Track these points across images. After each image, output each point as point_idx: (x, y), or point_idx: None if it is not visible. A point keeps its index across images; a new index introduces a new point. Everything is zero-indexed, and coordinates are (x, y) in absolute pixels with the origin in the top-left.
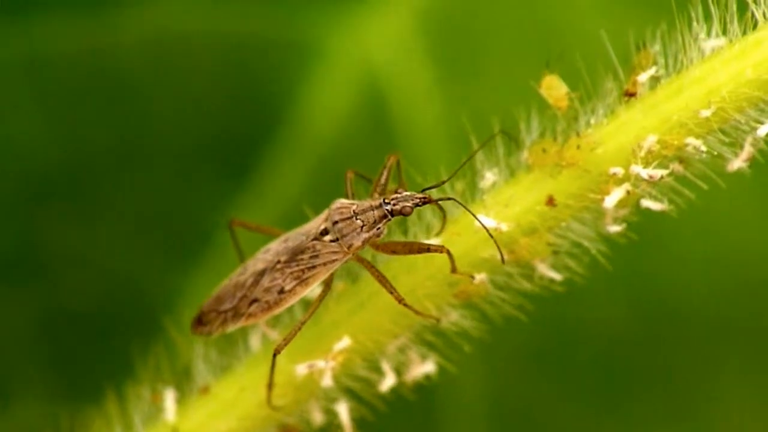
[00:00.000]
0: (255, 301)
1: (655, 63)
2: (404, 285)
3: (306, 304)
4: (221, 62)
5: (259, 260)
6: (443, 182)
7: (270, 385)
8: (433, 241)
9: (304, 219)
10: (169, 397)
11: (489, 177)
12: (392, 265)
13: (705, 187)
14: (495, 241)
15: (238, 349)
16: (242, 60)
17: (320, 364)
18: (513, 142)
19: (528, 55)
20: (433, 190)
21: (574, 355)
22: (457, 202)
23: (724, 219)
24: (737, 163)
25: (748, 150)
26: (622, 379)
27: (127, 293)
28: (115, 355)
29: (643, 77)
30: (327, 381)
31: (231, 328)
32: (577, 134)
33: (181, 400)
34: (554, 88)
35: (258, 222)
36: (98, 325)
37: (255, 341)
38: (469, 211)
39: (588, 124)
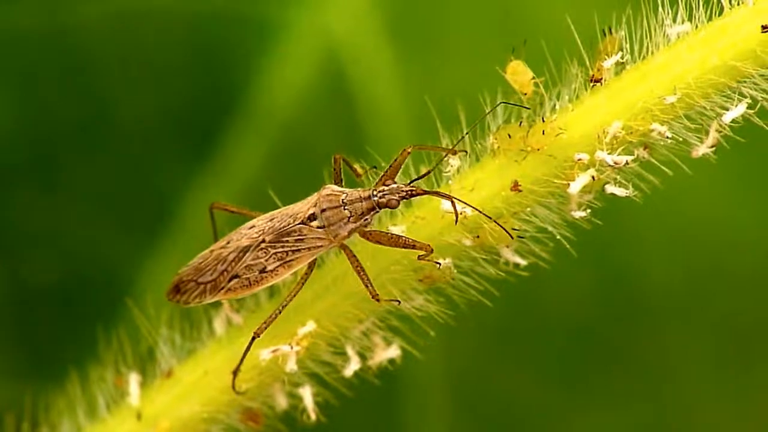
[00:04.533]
0: (236, 276)
1: (620, 49)
2: (369, 270)
3: (271, 288)
4: (182, 39)
5: (244, 236)
6: (429, 172)
7: (237, 370)
8: (398, 228)
9: (265, 196)
10: (133, 381)
11: (454, 162)
12: (357, 250)
13: (670, 173)
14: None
15: (202, 333)
16: (203, 36)
17: (285, 348)
18: (478, 126)
19: (490, 36)
20: (421, 180)
21: (537, 336)
22: (447, 196)
23: (687, 201)
24: (702, 149)
25: (713, 136)
26: (585, 359)
27: (91, 272)
28: (78, 336)
29: (609, 63)
30: (291, 365)
31: (208, 300)
32: (543, 120)
33: (145, 384)
34: (519, 74)
35: (222, 197)
36: (62, 304)
37: (219, 325)
38: (459, 203)
39: (553, 109)
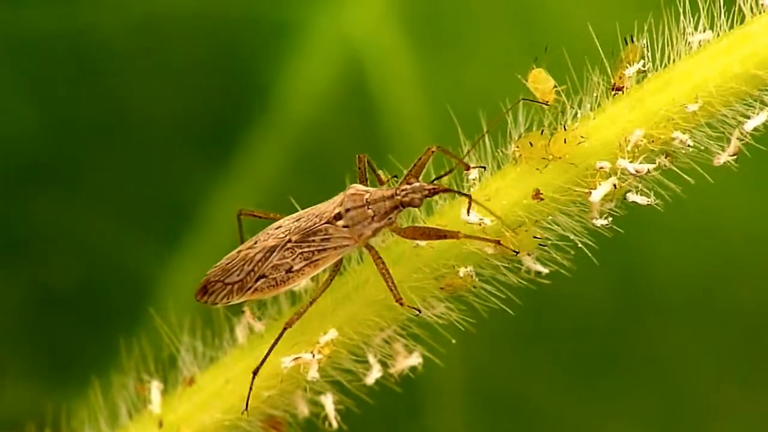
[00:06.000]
0: (262, 276)
1: (642, 57)
2: (392, 278)
3: (293, 296)
4: (202, 42)
5: (271, 236)
6: (449, 171)
7: (260, 366)
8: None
9: (285, 199)
10: (155, 389)
11: (473, 174)
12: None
13: (692, 181)
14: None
15: (224, 341)
16: (223, 39)
17: (306, 356)
18: (500, 134)
19: (512, 39)
20: (443, 179)
21: (555, 340)
22: (467, 195)
23: (703, 204)
24: (724, 157)
25: (734, 144)
26: (603, 363)
27: (112, 277)
28: (100, 343)
29: (630, 71)
30: (313, 373)
31: (235, 300)
32: (564, 128)
33: (166, 391)
34: (541, 82)
35: (241, 201)
36: (83, 310)
37: (240, 333)
38: (481, 205)
39: (575, 117)
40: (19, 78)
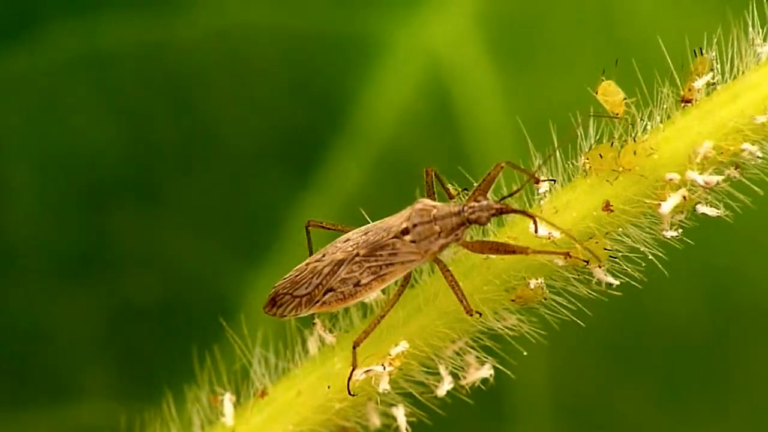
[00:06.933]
0: (330, 290)
1: (711, 69)
2: (462, 290)
3: (364, 308)
4: (284, 57)
5: (339, 249)
6: (518, 190)
7: (351, 376)
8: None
9: (364, 216)
10: (228, 401)
11: (543, 187)
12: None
13: (761, 192)
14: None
15: (296, 353)
16: (305, 55)
17: (377, 368)
18: (570, 147)
19: (587, 56)
20: (511, 198)
21: (637, 351)
22: (533, 216)
23: None
24: None
25: None
26: (686, 376)
27: (193, 292)
28: (175, 356)
29: (699, 83)
30: (384, 385)
31: (303, 313)
32: (634, 140)
33: (239, 403)
34: (611, 94)
35: (322, 217)
36: (159, 324)
37: (312, 345)
38: (544, 223)
39: (644, 129)
40: (100, 92)
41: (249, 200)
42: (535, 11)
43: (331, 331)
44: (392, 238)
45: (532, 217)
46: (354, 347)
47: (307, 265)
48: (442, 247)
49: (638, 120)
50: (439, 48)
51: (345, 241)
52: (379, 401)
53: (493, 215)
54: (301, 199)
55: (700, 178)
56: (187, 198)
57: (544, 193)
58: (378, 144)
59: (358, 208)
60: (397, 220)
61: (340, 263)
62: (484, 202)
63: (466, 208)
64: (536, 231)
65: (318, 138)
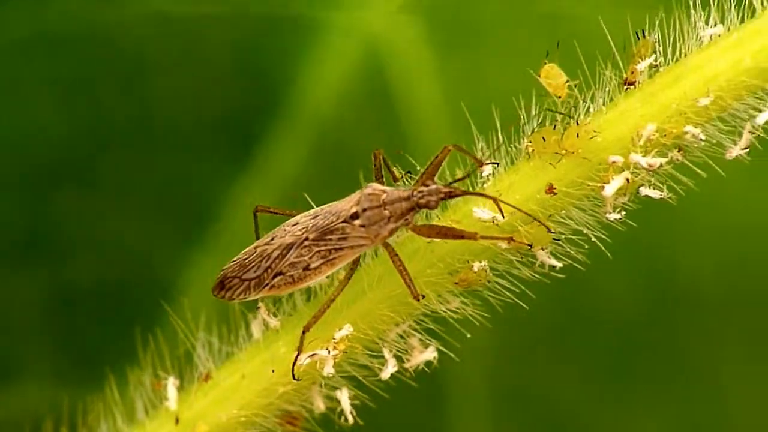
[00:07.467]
0: (279, 273)
1: (653, 51)
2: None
3: (308, 292)
4: (222, 41)
5: (288, 233)
6: (467, 175)
7: (295, 361)
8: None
9: (304, 198)
10: (171, 385)
11: (486, 170)
12: None
13: (704, 174)
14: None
15: (239, 337)
16: (245, 38)
17: (322, 352)
18: (513, 129)
19: (527, 39)
20: (461, 182)
21: (579, 335)
22: (489, 196)
23: (719, 197)
24: (736, 151)
25: (746, 138)
26: (626, 358)
27: (130, 274)
28: (118, 340)
29: (642, 66)
30: (329, 369)
31: (252, 296)
32: (577, 123)
33: (183, 388)
34: (553, 77)
35: (261, 198)
36: (101, 307)
37: (256, 329)
38: (503, 202)
39: (587, 112)
40: (42, 76)
41: (190, 183)
42: None
43: (275, 315)
44: (342, 222)
45: (492, 198)
46: (304, 332)
47: (255, 248)
48: (392, 232)
49: (581, 102)
50: (377, 29)
51: (294, 225)
52: (323, 385)
53: (443, 199)
54: (241, 182)
55: (644, 161)
56: (128, 181)
57: (488, 176)
58: (317, 126)
59: (298, 191)
60: (346, 205)
61: (289, 247)
62: (434, 186)
63: (415, 192)
64: (501, 210)
65: (257, 121)
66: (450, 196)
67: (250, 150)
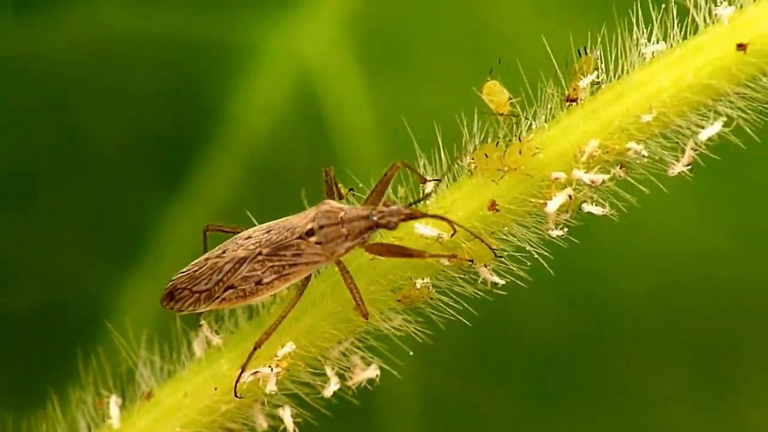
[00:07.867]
0: (231, 287)
1: (596, 68)
2: (346, 291)
3: (250, 310)
4: (156, 64)
5: (240, 246)
6: (427, 196)
7: (239, 378)
8: None
9: (240, 219)
10: (114, 404)
11: (429, 186)
12: (335, 270)
13: (646, 191)
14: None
15: (182, 355)
16: (176, 62)
17: (265, 370)
18: (455, 146)
19: (463, 57)
20: (420, 204)
21: (510, 356)
22: (447, 220)
23: (659, 218)
24: (679, 168)
25: (689, 154)
26: (558, 377)
27: (70, 297)
28: (59, 360)
29: (584, 82)
30: (271, 387)
31: (202, 308)
32: (519, 139)
33: (125, 406)
34: (495, 94)
35: (193, 222)
36: (41, 329)
37: (198, 347)
38: (468, 230)
39: (529, 129)
40: None
41: (123, 208)
42: (407, 14)
43: (217, 333)
44: (297, 238)
45: (446, 220)
46: (255, 348)
47: (206, 260)
48: (348, 250)
49: (523, 119)
50: (309, 53)
51: (246, 239)
52: (265, 402)
53: (403, 220)
54: (174, 205)
55: (586, 177)
56: (62, 203)
57: (430, 193)
58: (250, 150)
59: (233, 213)
60: (300, 221)
61: (242, 261)
62: (395, 207)
63: (375, 212)
64: (454, 232)
65: (191, 145)
66: (410, 217)
67: (184, 173)
